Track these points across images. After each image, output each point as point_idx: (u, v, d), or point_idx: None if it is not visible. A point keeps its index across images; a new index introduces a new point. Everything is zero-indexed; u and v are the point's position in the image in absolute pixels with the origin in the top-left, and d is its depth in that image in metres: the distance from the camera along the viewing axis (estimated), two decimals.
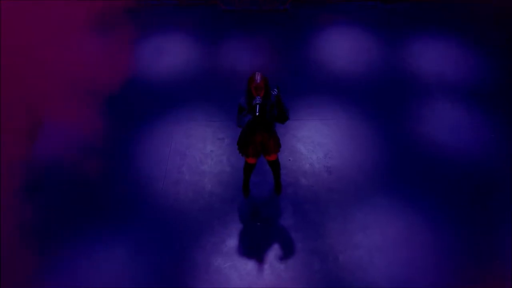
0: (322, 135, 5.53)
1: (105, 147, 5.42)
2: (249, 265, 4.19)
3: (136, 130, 5.67)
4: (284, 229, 4.47)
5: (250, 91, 3.86)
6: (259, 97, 3.77)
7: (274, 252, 4.28)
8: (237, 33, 7.62)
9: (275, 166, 4.52)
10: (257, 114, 3.72)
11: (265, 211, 4.65)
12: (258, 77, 3.79)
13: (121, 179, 5.04)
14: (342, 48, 7.18)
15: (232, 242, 4.38)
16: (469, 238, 4.34)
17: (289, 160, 5.20)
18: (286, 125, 5.64)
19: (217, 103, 6.02)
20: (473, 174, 4.95)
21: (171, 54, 7.13)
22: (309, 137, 5.50)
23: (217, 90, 6.23)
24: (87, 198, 4.83)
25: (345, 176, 5.00)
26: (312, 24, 7.82)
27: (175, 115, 5.88)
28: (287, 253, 4.28)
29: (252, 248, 4.33)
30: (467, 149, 5.26)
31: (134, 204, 4.75)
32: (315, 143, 5.42)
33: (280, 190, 4.82)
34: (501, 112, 5.74)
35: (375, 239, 4.35)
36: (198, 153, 5.32)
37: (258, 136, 4.08)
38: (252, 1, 8.21)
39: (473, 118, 5.72)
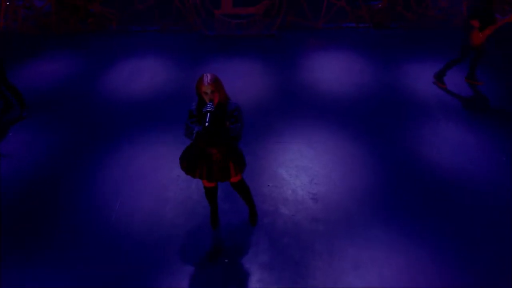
0: (308, 158, 4.80)
1: (60, 169, 4.71)
2: None
3: (97, 152, 4.97)
4: (256, 268, 3.61)
5: (201, 97, 3.21)
6: (211, 103, 3.11)
7: None
8: (220, 57, 7.14)
9: (240, 189, 3.75)
10: (206, 124, 3.03)
11: (235, 246, 3.82)
12: (206, 79, 3.14)
13: (69, 207, 4.25)
14: (332, 70, 6.65)
15: (192, 284, 3.51)
16: (483, 277, 3.47)
17: (268, 185, 4.43)
18: (265, 148, 4.97)
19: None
20: (483, 199, 4.16)
21: (147, 77, 6.60)
22: (292, 161, 4.77)
23: None
24: (31, 226, 4.02)
25: (333, 204, 4.20)
26: (300, 48, 7.38)
27: (144, 137, 5.20)
28: None
29: None
30: (473, 171, 4.51)
31: (79, 238, 3.93)
32: (299, 168, 4.68)
33: (256, 220, 4.01)
34: (507, 130, 5.07)
35: (370, 280, 3.48)
36: (163, 178, 4.57)
37: (210, 153, 3.35)
38: (238, 26, 7.82)
39: (478, 137, 5.03)
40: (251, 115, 5.34)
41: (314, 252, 3.71)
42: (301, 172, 4.61)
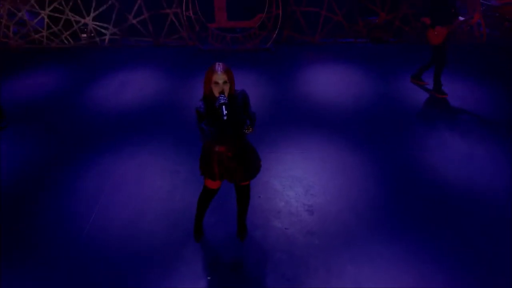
0: (303, 169, 4.45)
1: (35, 180, 4.36)
2: None
3: (77, 162, 4.62)
4: (244, 286, 3.19)
5: (210, 92, 2.89)
6: (223, 95, 2.82)
7: None
8: None
9: (247, 192, 3.39)
10: (224, 117, 2.74)
11: (221, 261, 3.41)
12: (219, 67, 2.84)
13: (41, 219, 3.86)
14: (328, 82, 6.40)
15: None
16: None
17: (259, 197, 4.06)
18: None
19: (177, 137, 5.06)
20: (489, 210, 3.77)
21: (135, 89, 6.35)
22: (286, 171, 4.42)
23: (182, 124, 5.30)
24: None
25: (330, 217, 3.81)
26: (297, 62, 7.17)
27: (129, 147, 4.87)
28: None
29: None
30: (478, 181, 4.15)
31: (47, 252, 3.52)
32: (294, 178, 4.31)
33: (245, 233, 3.62)
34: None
35: None
36: (146, 189, 4.20)
37: (228, 148, 3.04)
38: (233, 40, 7.65)
39: (487, 148, 4.69)
40: None
41: (309, 269, 3.30)
42: (296, 182, 4.25)
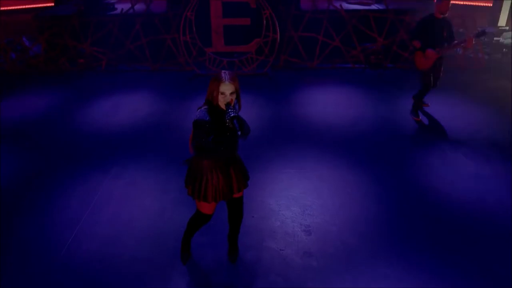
0: (300, 188, 4.21)
1: (21, 193, 4.12)
2: None
3: (65, 178, 4.41)
4: None
5: (212, 103, 2.67)
6: (231, 108, 2.58)
7: None
8: None
9: (241, 207, 3.12)
10: (239, 132, 2.50)
11: (210, 284, 3.10)
12: (226, 76, 2.62)
13: (21, 232, 3.58)
14: (326, 104, 6.28)
15: None
16: None
17: (252, 217, 3.79)
18: (252, 178, 4.35)
19: (169, 157, 4.85)
20: (496, 231, 3.49)
21: (129, 111, 6.21)
22: (282, 191, 4.17)
23: (174, 145, 5.12)
24: None
25: (329, 237, 3.53)
26: (294, 85, 7.09)
27: (117, 165, 4.65)
28: None
29: None
30: (490, 203, 3.90)
31: (23, 268, 3.22)
32: (290, 197, 4.06)
33: (237, 254, 3.32)
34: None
35: None
36: (131, 207, 3.94)
37: (226, 168, 2.84)
38: (230, 65, 7.61)
39: (492, 167, 4.47)
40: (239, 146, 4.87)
41: None
42: (292, 202, 3.99)
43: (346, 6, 8.04)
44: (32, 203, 4.03)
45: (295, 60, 7.79)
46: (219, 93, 2.62)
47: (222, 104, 2.64)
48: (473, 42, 4.84)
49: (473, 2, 9.04)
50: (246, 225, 3.62)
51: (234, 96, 2.65)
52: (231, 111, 2.56)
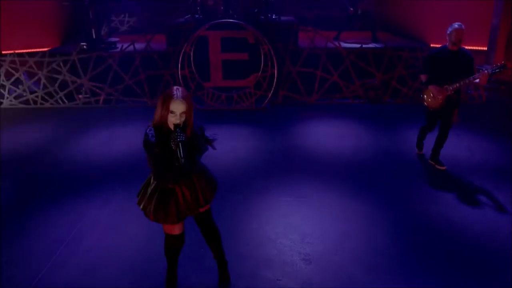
0: (299, 216, 3.92)
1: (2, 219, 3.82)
2: None
3: (50, 205, 4.15)
4: None
5: (161, 121, 2.42)
6: (179, 131, 2.33)
7: None
8: (207, 127, 6.66)
9: (212, 222, 2.82)
10: (182, 160, 2.26)
11: None
12: (177, 93, 2.39)
13: None
14: (325, 136, 6.11)
15: None
16: None
17: (247, 245, 3.47)
18: (248, 206, 4.10)
19: None
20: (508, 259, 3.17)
21: (124, 142, 6.04)
22: (280, 218, 3.88)
23: None
24: None
25: (331, 267, 3.20)
26: (293, 119, 6.98)
27: (105, 193, 4.40)
28: None
29: None
30: (498, 231, 3.61)
31: None
32: (288, 225, 3.77)
33: (228, 283, 2.99)
34: None
35: None
36: (116, 235, 3.64)
37: (181, 188, 2.58)
38: (228, 99, 7.55)
39: (502, 195, 4.21)
40: (235, 176, 4.66)
41: None
42: (291, 230, 3.69)
43: (344, 44, 8.13)
44: (9, 232, 3.73)
45: (294, 96, 7.74)
46: (169, 112, 2.36)
47: (171, 125, 2.38)
48: (487, 78, 4.24)
49: (468, 46, 9.18)
50: (239, 253, 3.32)
51: (184, 117, 2.38)
52: (178, 135, 2.29)
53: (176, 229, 2.71)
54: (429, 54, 4.66)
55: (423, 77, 4.66)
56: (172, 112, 2.36)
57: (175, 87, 2.44)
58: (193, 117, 2.47)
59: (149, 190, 2.62)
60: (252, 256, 3.33)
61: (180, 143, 2.27)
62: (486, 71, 4.23)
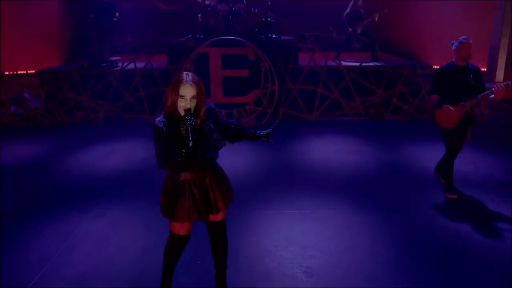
0: (300, 228, 3.79)
1: None
2: None
3: (43, 218, 4.03)
4: None
5: (172, 107, 2.35)
6: (190, 115, 2.26)
7: None
8: None
9: (224, 232, 2.70)
10: (191, 143, 2.19)
11: None
12: (187, 77, 2.32)
13: None
14: (327, 150, 6.03)
15: None
16: None
17: (246, 257, 3.32)
18: (247, 219, 3.97)
19: (156, 200, 4.48)
20: None
21: (122, 156, 5.96)
22: (280, 230, 3.75)
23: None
24: None
25: (334, 281, 3.05)
26: (294, 135, 6.90)
27: (99, 205, 4.27)
28: None
29: None
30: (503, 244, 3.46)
31: None
32: (288, 237, 3.63)
33: None
34: None
35: None
36: (109, 246, 3.49)
37: (195, 175, 2.48)
38: (228, 116, 7.50)
39: (506, 207, 4.07)
40: (235, 189, 4.52)
41: None
42: (291, 242, 3.55)
43: (344, 63, 8.16)
44: (0, 244, 3.60)
45: (294, 113, 7.70)
46: (179, 97, 2.31)
47: (181, 110, 2.32)
48: (504, 91, 3.88)
49: None
50: (237, 265, 3.17)
51: (194, 102, 2.33)
52: (187, 119, 2.23)
53: (182, 230, 2.60)
54: (436, 72, 4.38)
55: (433, 98, 4.31)
56: (182, 96, 2.31)
57: (185, 72, 2.39)
58: (204, 103, 2.40)
59: (167, 188, 2.54)
60: (250, 269, 3.18)
61: (189, 127, 2.20)
62: (502, 86, 3.91)
